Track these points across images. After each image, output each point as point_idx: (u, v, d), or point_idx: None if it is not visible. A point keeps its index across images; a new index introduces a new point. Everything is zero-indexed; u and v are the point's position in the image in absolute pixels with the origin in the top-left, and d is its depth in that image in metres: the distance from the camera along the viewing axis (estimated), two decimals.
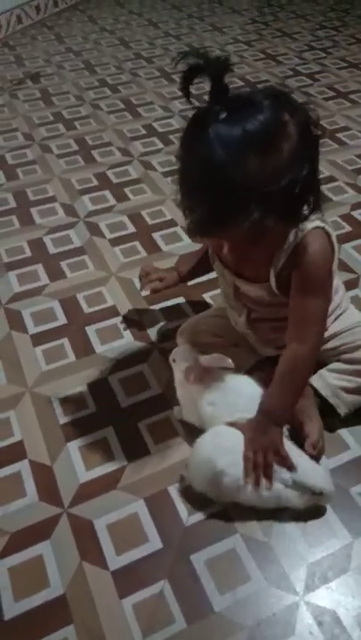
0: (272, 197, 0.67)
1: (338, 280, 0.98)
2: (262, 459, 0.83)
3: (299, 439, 0.91)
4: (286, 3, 3.19)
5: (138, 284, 1.30)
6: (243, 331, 1.01)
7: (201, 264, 1.09)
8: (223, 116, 0.67)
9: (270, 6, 3.15)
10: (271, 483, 0.83)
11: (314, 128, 0.71)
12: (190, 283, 1.30)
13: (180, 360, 0.95)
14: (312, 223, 0.81)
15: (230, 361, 0.90)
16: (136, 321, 1.22)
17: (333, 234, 0.85)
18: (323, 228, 0.82)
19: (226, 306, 1.03)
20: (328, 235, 0.83)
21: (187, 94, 0.70)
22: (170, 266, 1.24)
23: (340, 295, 0.99)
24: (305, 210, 0.75)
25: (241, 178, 0.66)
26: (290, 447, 0.87)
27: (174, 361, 0.96)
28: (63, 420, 1.03)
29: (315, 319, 0.85)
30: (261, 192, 0.67)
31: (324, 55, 2.50)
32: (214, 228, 0.73)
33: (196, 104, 0.70)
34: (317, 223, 0.82)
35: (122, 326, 1.21)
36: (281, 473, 0.83)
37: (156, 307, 1.25)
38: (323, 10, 3.06)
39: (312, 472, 0.85)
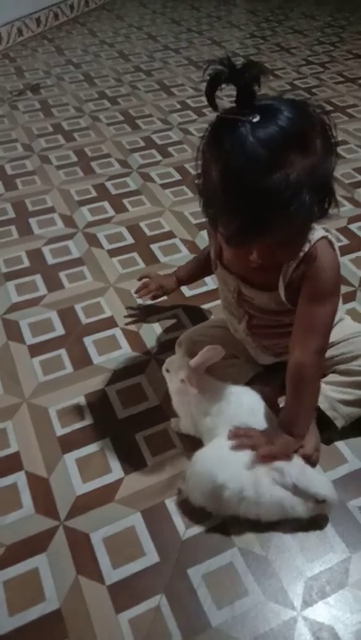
0: (308, 194, 0.68)
1: None
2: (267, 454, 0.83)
3: (295, 451, 0.90)
4: (284, 18, 3.24)
5: (136, 296, 1.31)
6: (242, 337, 1.01)
7: (201, 268, 1.11)
8: (257, 119, 0.67)
9: (268, 21, 3.19)
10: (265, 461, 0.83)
11: (329, 126, 0.72)
12: (188, 294, 1.31)
13: (173, 370, 0.94)
14: (319, 233, 0.82)
15: (220, 347, 0.89)
16: (134, 332, 1.22)
17: (336, 243, 0.86)
18: (327, 238, 0.84)
19: (225, 313, 1.03)
20: (332, 243, 0.84)
21: (212, 103, 0.70)
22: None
23: None
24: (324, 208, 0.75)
25: (287, 175, 0.66)
26: (294, 455, 0.87)
27: (168, 371, 0.96)
28: (60, 431, 1.02)
29: (321, 327, 0.85)
30: (305, 186, 0.67)
31: (322, 70, 2.53)
32: (258, 232, 0.71)
33: (221, 110, 0.70)
34: (323, 233, 0.83)
35: (120, 337, 1.21)
36: (283, 478, 0.82)
37: (155, 318, 1.25)
38: (320, 26, 3.11)
39: (315, 479, 0.84)
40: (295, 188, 0.67)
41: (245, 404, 0.90)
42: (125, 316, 1.25)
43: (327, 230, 0.84)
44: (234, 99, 0.69)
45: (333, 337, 0.98)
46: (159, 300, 1.20)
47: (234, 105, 0.69)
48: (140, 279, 1.25)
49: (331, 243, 0.84)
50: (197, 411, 0.91)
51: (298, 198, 0.67)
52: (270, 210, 0.68)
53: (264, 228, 0.70)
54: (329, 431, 0.97)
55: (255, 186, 0.67)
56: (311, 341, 0.84)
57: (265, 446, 0.84)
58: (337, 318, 1.00)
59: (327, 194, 0.74)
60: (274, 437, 0.85)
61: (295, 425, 0.87)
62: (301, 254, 0.82)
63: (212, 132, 0.71)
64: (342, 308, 1.03)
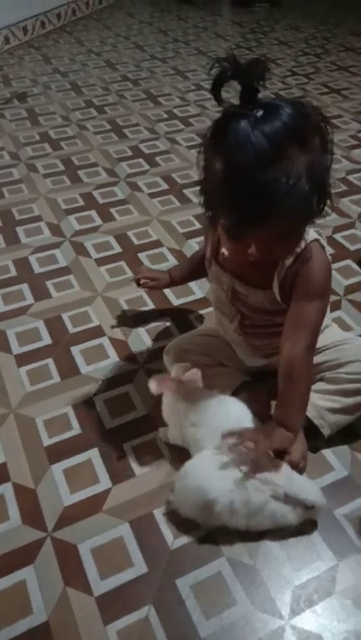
0: (307, 189, 0.70)
1: None
2: (255, 447, 0.83)
3: (282, 459, 0.91)
4: (269, 30, 3.28)
5: (124, 304, 1.31)
6: (233, 338, 1.02)
7: (195, 268, 1.12)
8: (260, 113, 0.69)
9: (254, 32, 3.23)
10: (254, 473, 0.83)
11: (325, 126, 0.74)
12: (177, 303, 1.32)
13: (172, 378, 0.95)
14: (312, 234, 0.85)
15: (198, 371, 0.92)
16: (122, 341, 1.22)
17: (327, 247, 0.88)
18: (319, 241, 0.86)
19: (216, 313, 1.03)
20: (323, 246, 0.87)
21: (218, 99, 0.72)
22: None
23: None
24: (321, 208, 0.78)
25: (287, 168, 0.69)
26: (281, 463, 0.87)
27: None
28: (47, 441, 1.02)
29: (310, 322, 0.87)
30: (304, 179, 0.70)
31: (307, 81, 2.56)
32: (258, 223, 0.73)
33: (226, 106, 0.72)
34: (316, 235, 0.86)
35: (107, 346, 1.21)
36: (273, 489, 0.82)
37: (142, 327, 1.25)
38: (305, 37, 3.15)
39: (303, 485, 0.85)
40: (295, 181, 0.69)
41: (232, 416, 0.90)
42: (113, 326, 1.25)
43: (319, 234, 0.87)
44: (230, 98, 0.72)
45: (320, 343, 0.99)
46: (149, 307, 1.20)
47: (236, 103, 0.72)
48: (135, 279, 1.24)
49: (322, 246, 0.87)
50: (185, 421, 0.91)
51: (297, 192, 0.70)
52: (270, 202, 0.70)
53: (263, 220, 0.73)
54: (316, 439, 0.97)
55: (257, 177, 0.69)
56: (301, 336, 0.86)
57: (264, 440, 0.85)
58: (323, 324, 1.01)
59: (324, 192, 0.76)
60: (270, 432, 0.86)
61: (288, 419, 0.88)
62: (297, 251, 0.84)
63: (216, 127, 0.74)
64: (329, 316, 1.04)
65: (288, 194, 0.69)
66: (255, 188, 0.70)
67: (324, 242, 0.88)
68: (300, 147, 0.70)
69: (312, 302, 0.86)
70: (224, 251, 0.89)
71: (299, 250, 0.84)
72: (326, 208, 0.78)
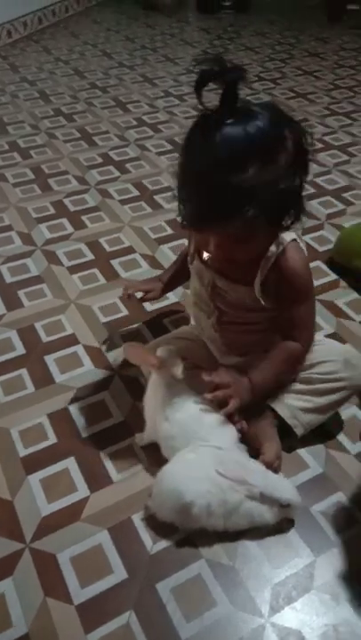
0: (265, 202, 0.72)
1: None
2: (230, 392, 0.88)
3: (257, 459, 0.92)
4: (236, 36, 3.32)
5: (97, 311, 1.31)
6: (209, 335, 1.03)
7: (181, 267, 1.12)
8: (230, 120, 0.71)
9: (221, 39, 3.27)
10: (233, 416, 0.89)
11: (307, 149, 0.77)
12: (150, 309, 1.32)
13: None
14: (290, 235, 0.87)
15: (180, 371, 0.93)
16: (96, 348, 1.22)
17: (304, 247, 0.91)
18: (296, 240, 0.89)
19: (194, 310, 1.05)
20: (299, 245, 0.89)
21: (199, 98, 0.74)
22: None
23: None
24: (286, 220, 0.80)
25: (240, 179, 0.71)
26: (254, 463, 0.89)
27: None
28: (23, 452, 1.01)
29: (305, 323, 0.94)
30: (257, 195, 0.72)
31: (273, 86, 2.60)
32: (207, 222, 0.78)
33: (207, 107, 0.74)
34: (293, 235, 0.88)
35: (82, 355, 1.20)
36: (249, 489, 0.83)
37: (117, 333, 1.26)
38: (271, 43, 3.20)
39: (278, 484, 0.86)
40: (246, 193, 0.71)
41: (206, 421, 0.90)
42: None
43: (297, 235, 0.90)
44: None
45: None
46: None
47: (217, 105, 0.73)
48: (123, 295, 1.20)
49: (300, 246, 0.89)
50: (160, 413, 0.92)
51: (248, 203, 0.72)
52: (219, 204, 0.73)
53: (213, 219, 0.76)
54: (290, 439, 0.99)
55: (210, 180, 0.73)
56: (298, 335, 0.93)
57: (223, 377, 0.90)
58: None
59: (288, 208, 0.78)
60: (245, 389, 0.90)
61: (262, 390, 0.93)
62: (275, 254, 0.86)
63: (192, 125, 0.76)
64: None
65: (238, 203, 0.72)
66: (206, 190, 0.73)
67: (300, 241, 0.90)
68: (259, 161, 0.71)
69: (301, 304, 0.91)
70: (207, 252, 0.91)
71: (276, 252, 0.86)
72: (294, 220, 0.80)
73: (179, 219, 0.82)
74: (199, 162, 0.74)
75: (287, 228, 0.83)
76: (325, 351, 1.01)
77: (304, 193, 0.80)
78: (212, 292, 0.96)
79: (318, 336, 1.07)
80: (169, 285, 1.20)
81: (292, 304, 0.90)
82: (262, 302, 0.90)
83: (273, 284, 0.89)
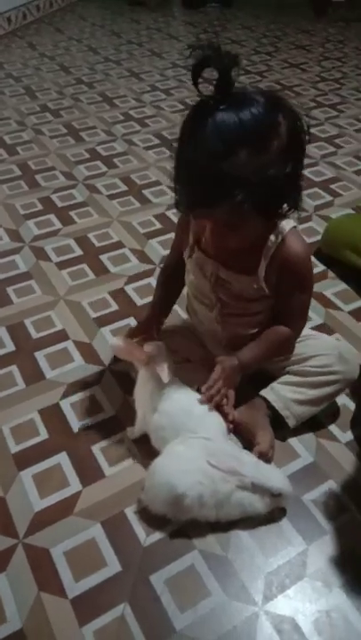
0: (254, 189, 0.72)
1: None
2: (223, 389, 0.91)
3: (251, 449, 0.93)
4: (222, 29, 3.32)
5: (87, 307, 1.31)
6: (210, 327, 1.02)
7: (170, 291, 1.08)
8: (223, 106, 0.71)
9: (207, 33, 3.26)
10: (223, 407, 0.91)
11: (303, 134, 0.76)
12: (140, 303, 1.32)
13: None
14: (289, 223, 0.88)
15: (161, 344, 0.95)
16: (86, 344, 1.22)
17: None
18: (296, 228, 0.89)
19: (195, 303, 1.03)
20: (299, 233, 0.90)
21: (196, 83, 0.74)
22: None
23: None
24: (284, 208, 0.80)
25: (229, 165, 0.71)
26: (247, 454, 0.89)
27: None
28: (15, 448, 1.01)
29: (300, 311, 0.95)
30: (245, 182, 0.71)
31: (260, 79, 2.60)
32: (199, 206, 0.78)
33: (204, 93, 0.73)
34: (293, 223, 0.88)
35: (72, 350, 1.20)
36: (240, 479, 0.84)
37: (107, 328, 1.25)
38: (257, 36, 3.20)
39: (270, 474, 0.87)
40: (234, 179, 0.71)
41: (195, 413, 0.91)
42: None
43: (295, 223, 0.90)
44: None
45: None
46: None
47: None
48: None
49: (298, 232, 0.90)
50: (150, 405, 0.92)
51: (236, 190, 0.72)
52: (208, 189, 0.74)
53: (203, 204, 0.77)
54: (282, 431, 0.99)
55: (200, 165, 0.73)
56: (292, 321, 0.94)
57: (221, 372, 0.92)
58: None
59: (279, 196, 0.78)
60: (236, 371, 0.93)
61: (250, 368, 0.95)
62: (275, 244, 0.87)
63: (191, 109, 0.76)
64: None
65: (229, 189, 0.72)
66: (198, 175, 0.74)
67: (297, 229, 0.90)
68: (250, 148, 0.71)
69: (300, 294, 0.92)
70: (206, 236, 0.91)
71: (275, 242, 0.87)
72: (291, 208, 0.81)
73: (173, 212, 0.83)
74: (191, 147, 0.74)
75: (283, 217, 0.83)
76: (320, 345, 1.02)
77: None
78: (216, 283, 0.95)
79: (310, 331, 1.08)
80: (165, 310, 1.10)
81: (292, 292, 0.91)
82: (266, 291, 0.91)
83: (275, 272, 0.89)
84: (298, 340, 1.02)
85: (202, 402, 0.91)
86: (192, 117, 0.75)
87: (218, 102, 0.72)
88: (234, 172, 0.71)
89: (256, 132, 0.72)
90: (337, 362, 0.99)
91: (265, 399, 1.00)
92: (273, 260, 0.88)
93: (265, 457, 0.93)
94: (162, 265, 1.40)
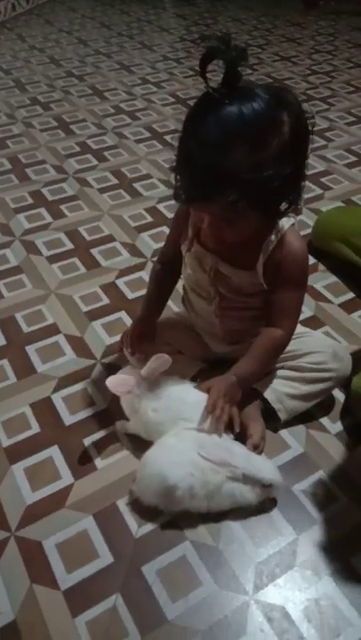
0: (249, 186, 0.72)
1: None
2: (225, 406, 0.88)
3: (242, 441, 0.94)
4: (212, 22, 3.30)
5: (78, 301, 1.31)
6: (208, 321, 1.03)
7: (162, 289, 1.08)
8: (227, 100, 0.71)
9: (197, 25, 3.25)
10: (232, 429, 0.89)
11: (308, 135, 0.76)
12: (131, 297, 1.32)
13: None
14: (288, 221, 0.88)
15: (167, 357, 0.93)
16: (78, 337, 1.22)
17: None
18: (294, 225, 0.89)
19: (192, 296, 1.03)
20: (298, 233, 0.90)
21: (203, 74, 0.73)
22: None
23: None
24: (282, 206, 0.80)
25: (225, 162, 0.71)
26: (238, 445, 0.90)
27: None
28: (6, 442, 1.01)
29: (294, 310, 0.94)
30: (240, 178, 0.71)
31: (251, 72, 2.59)
32: (195, 198, 0.78)
33: (211, 85, 0.73)
34: (292, 221, 0.88)
35: (63, 344, 1.20)
36: (231, 470, 0.85)
37: (98, 322, 1.25)
38: (247, 29, 3.19)
39: (260, 465, 0.88)
40: (229, 176, 0.71)
41: (190, 400, 0.92)
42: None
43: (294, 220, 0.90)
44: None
45: None
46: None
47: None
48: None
49: (297, 230, 0.90)
50: (144, 407, 0.93)
51: (230, 186, 0.72)
52: (204, 182, 0.73)
53: (200, 196, 0.76)
54: (273, 424, 1.00)
55: (198, 157, 0.73)
56: (284, 321, 0.93)
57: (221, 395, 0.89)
58: None
59: (277, 195, 0.78)
60: (234, 386, 0.91)
61: (249, 381, 0.94)
62: (275, 242, 0.87)
63: (197, 100, 0.76)
64: None
65: (224, 184, 0.72)
66: (196, 167, 0.73)
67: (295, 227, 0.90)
68: (249, 145, 0.71)
69: (294, 291, 0.92)
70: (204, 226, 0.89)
71: (275, 239, 0.87)
72: (290, 206, 0.81)
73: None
74: (192, 139, 0.74)
75: (283, 215, 0.83)
76: (315, 342, 1.03)
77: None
78: (215, 277, 0.95)
79: (305, 328, 1.09)
80: (159, 307, 1.08)
81: (286, 289, 0.90)
82: (265, 286, 0.91)
83: (273, 268, 0.89)
84: (295, 335, 1.03)
85: (209, 429, 0.88)
86: (196, 109, 0.75)
87: (223, 96, 0.71)
88: (230, 168, 0.71)
89: (256, 129, 0.71)
90: (331, 360, 1.00)
91: (258, 391, 1.00)
92: (272, 255, 0.88)
93: (257, 449, 0.93)
94: (154, 259, 1.40)
